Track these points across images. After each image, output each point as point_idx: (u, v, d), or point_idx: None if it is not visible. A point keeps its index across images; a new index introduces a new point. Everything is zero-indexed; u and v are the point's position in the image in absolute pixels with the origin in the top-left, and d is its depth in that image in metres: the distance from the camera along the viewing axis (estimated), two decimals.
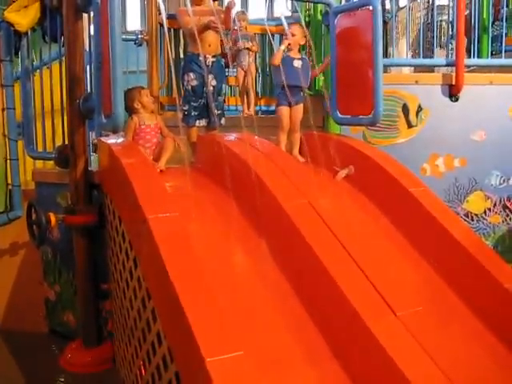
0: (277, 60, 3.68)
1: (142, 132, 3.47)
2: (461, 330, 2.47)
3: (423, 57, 4.64)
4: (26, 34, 3.82)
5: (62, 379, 3.39)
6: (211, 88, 3.68)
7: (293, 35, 3.72)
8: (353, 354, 2.16)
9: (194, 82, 3.66)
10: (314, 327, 2.25)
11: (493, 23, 5.37)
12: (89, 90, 3.39)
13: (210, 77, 3.67)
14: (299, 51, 3.87)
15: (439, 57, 5.18)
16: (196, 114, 3.72)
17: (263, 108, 5.69)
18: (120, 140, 3.27)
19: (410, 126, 4.08)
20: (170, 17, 4.84)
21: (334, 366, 2.15)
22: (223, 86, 3.87)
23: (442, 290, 2.66)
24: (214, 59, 3.69)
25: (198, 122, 3.73)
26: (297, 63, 3.72)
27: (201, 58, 3.58)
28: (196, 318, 1.88)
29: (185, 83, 3.73)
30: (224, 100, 4.12)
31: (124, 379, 3.16)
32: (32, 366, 3.64)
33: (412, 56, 5.43)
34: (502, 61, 4.66)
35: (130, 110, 3.46)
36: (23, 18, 3.66)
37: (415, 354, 2.09)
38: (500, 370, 2.33)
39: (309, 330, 2.23)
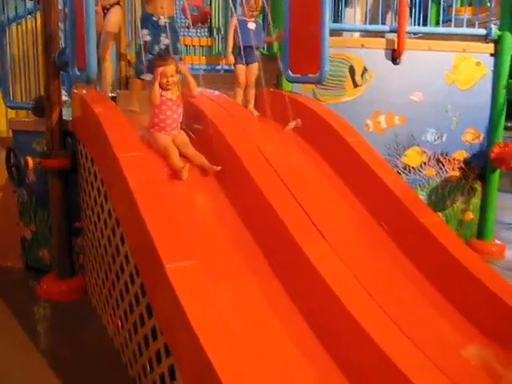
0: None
1: (164, 104, 3.28)
2: (383, 255, 2.95)
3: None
4: None
5: (40, 308, 3.74)
6: (163, 46, 3.99)
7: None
8: (288, 270, 2.60)
9: (147, 38, 3.94)
10: (256, 247, 2.69)
11: None
12: (63, 44, 3.72)
13: (163, 36, 3.98)
14: (254, 15, 4.19)
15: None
16: (143, 67, 3.95)
17: (225, 67, 6.02)
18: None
19: (355, 85, 4.47)
20: None
21: (273, 279, 2.60)
22: (178, 45, 4.16)
23: (370, 223, 3.12)
24: (167, 20, 3.99)
25: (144, 75, 4.00)
26: (251, 25, 4.08)
27: (154, 18, 3.89)
28: (157, 234, 2.29)
29: (139, 39, 4.04)
30: (180, 58, 4.39)
31: (95, 305, 3.58)
32: (10, 298, 3.97)
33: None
34: (440, 29, 5.07)
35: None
36: None
37: (340, 271, 2.52)
38: (413, 287, 2.81)
39: (251, 249, 2.67)
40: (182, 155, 3.17)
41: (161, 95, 3.25)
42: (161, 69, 3.23)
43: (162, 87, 3.25)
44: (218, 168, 3.05)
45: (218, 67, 6.02)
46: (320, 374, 2.23)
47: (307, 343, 2.33)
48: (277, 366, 2.19)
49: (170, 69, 3.23)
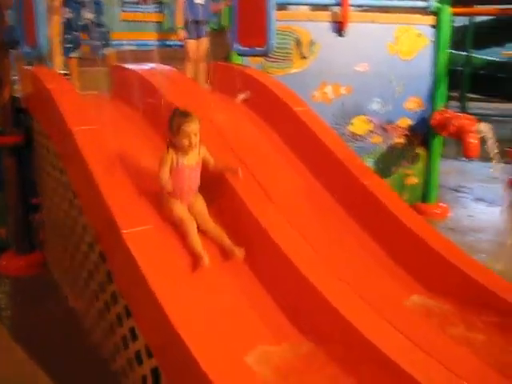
0: None
1: (180, 173, 2.71)
2: (330, 218, 3.12)
3: None
4: None
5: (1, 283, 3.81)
6: (86, 21, 4.03)
7: None
8: (238, 230, 2.75)
9: (69, 15, 3.98)
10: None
11: None
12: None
13: (86, 11, 4.02)
14: None
15: None
16: (71, 45, 4.05)
17: (178, 43, 6.07)
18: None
19: (302, 57, 4.63)
20: None
21: None
22: (102, 19, 4.19)
23: (316, 187, 3.29)
24: None
25: (72, 53, 4.07)
26: (198, 0, 4.17)
27: None
28: (113, 202, 2.41)
29: (62, 17, 4.04)
30: (108, 32, 4.41)
31: (57, 278, 3.67)
32: None
33: None
34: (383, 2, 5.23)
35: (168, 135, 2.73)
36: None
37: (284, 229, 2.68)
38: (361, 249, 3.01)
39: None
40: (198, 229, 2.70)
41: (177, 163, 2.70)
42: (184, 126, 2.64)
43: (181, 150, 2.70)
44: (242, 252, 2.62)
45: (170, 42, 6.08)
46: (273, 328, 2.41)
47: (255, 292, 2.53)
48: (232, 319, 2.34)
49: (193, 127, 2.67)
